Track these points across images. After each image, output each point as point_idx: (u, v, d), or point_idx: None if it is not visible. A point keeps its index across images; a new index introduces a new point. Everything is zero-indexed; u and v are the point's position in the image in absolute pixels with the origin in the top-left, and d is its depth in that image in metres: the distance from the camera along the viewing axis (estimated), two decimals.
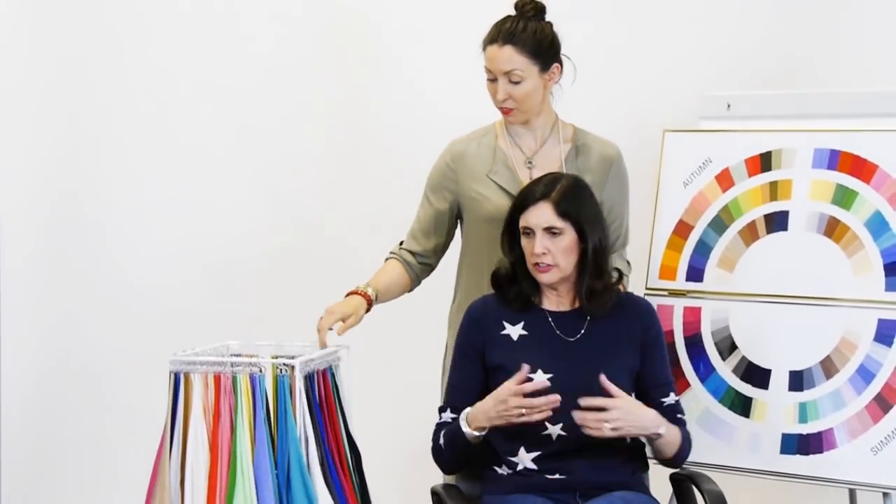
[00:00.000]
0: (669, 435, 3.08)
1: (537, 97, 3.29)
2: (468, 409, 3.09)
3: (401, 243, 3.45)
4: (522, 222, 3.12)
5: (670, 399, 3.17)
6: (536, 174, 3.29)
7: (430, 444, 3.19)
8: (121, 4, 4.61)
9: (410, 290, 3.46)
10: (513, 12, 3.30)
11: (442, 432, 3.15)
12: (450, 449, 3.13)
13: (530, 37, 3.25)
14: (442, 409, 3.20)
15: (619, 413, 2.97)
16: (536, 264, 3.10)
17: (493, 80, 3.28)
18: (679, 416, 3.17)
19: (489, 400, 3.05)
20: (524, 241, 3.13)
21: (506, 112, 3.30)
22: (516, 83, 3.26)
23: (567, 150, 3.37)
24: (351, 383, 3.23)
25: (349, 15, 4.46)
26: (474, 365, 3.17)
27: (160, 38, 4.58)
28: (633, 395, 3.11)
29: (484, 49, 3.28)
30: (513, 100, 3.27)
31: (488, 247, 3.27)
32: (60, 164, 4.63)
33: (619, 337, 3.15)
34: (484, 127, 3.43)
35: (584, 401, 2.96)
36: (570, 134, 3.40)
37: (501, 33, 3.25)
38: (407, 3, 4.45)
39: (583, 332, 3.15)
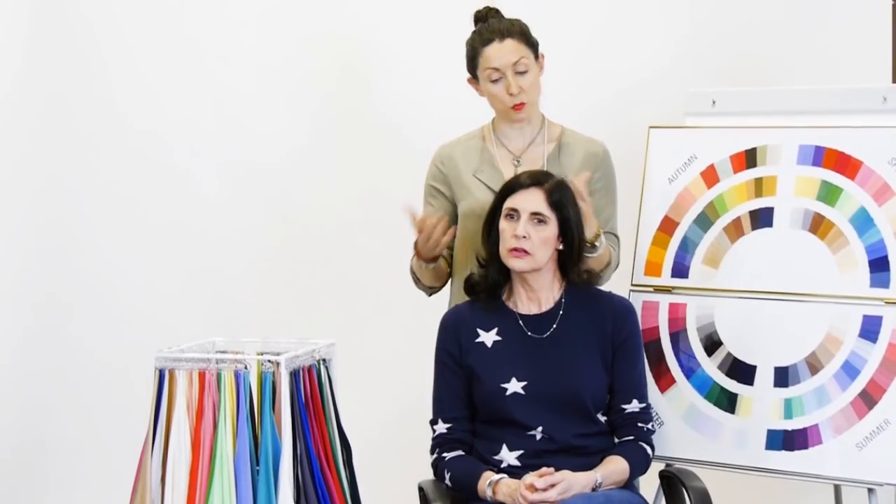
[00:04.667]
0: (611, 475, 3.10)
1: (538, 88, 3.35)
2: (495, 477, 3.08)
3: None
4: (509, 204, 3.12)
5: (632, 406, 3.18)
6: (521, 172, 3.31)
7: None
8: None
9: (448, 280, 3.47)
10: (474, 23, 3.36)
11: (450, 465, 3.15)
12: (458, 488, 3.14)
13: (518, 28, 3.31)
14: (433, 423, 3.21)
15: (561, 486, 3.01)
16: (513, 249, 3.10)
17: (498, 80, 3.31)
18: (641, 424, 3.18)
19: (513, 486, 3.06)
20: (504, 224, 3.13)
21: (519, 108, 3.32)
22: (523, 73, 3.29)
23: (551, 148, 3.40)
24: (338, 379, 3.26)
25: (341, 15, 4.47)
26: (455, 374, 3.19)
27: (147, 34, 4.58)
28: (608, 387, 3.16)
29: (478, 55, 3.32)
30: (524, 92, 3.30)
31: (473, 243, 3.29)
32: (42, 156, 4.61)
33: (589, 334, 3.17)
34: (470, 132, 3.47)
35: (538, 482, 3.00)
36: (557, 133, 3.43)
37: (495, 32, 3.29)
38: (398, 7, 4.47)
39: (554, 327, 3.16)
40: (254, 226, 4.57)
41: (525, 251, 3.10)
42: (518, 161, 3.39)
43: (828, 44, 4.10)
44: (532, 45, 3.33)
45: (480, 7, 3.37)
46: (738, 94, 3.63)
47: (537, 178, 3.14)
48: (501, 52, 3.29)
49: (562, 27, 4.22)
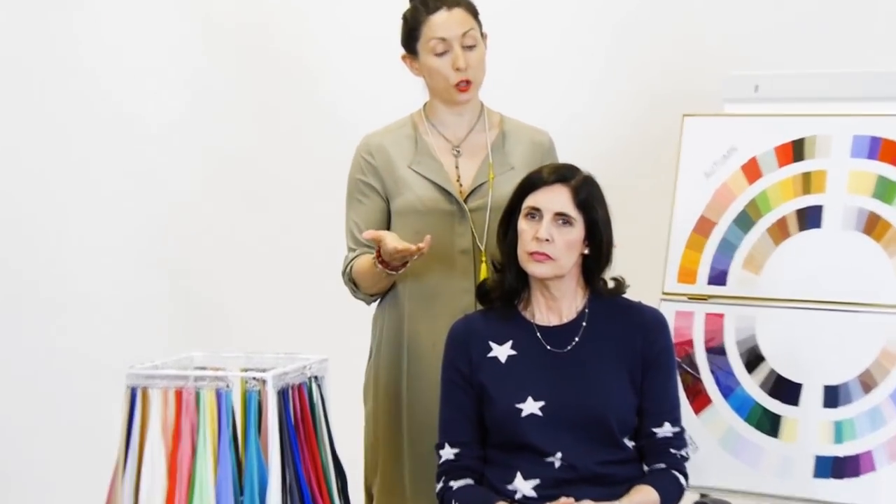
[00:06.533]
0: None
1: (484, 68, 3.29)
2: None
3: (349, 256, 3.34)
4: (529, 202, 3.02)
5: (664, 430, 3.05)
6: (463, 163, 3.30)
7: None
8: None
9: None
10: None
11: (458, 496, 3.02)
12: None
13: (466, 0, 3.29)
14: (439, 447, 3.10)
15: None
16: (534, 252, 2.99)
17: (443, 53, 3.23)
18: (673, 450, 3.06)
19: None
20: (524, 224, 3.02)
21: (464, 88, 3.25)
22: (472, 47, 3.24)
23: (494, 135, 3.35)
24: (331, 399, 3.18)
25: (283, 15, 4.49)
26: (464, 393, 3.07)
27: (102, 42, 4.60)
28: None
29: (421, 25, 3.25)
30: (471, 68, 3.24)
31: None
32: (7, 167, 4.61)
33: (616, 349, 3.05)
34: (398, 120, 3.40)
35: None
36: (497, 120, 3.39)
37: (442, 0, 3.24)
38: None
39: (576, 341, 3.06)
40: (237, 229, 4.55)
41: (548, 255, 2.99)
42: (458, 151, 3.32)
43: (885, 22, 3.99)
44: (477, 18, 3.28)
45: None
46: (783, 77, 3.56)
47: (562, 174, 3.03)
48: (450, 22, 3.22)
49: (590, 7, 4.21)
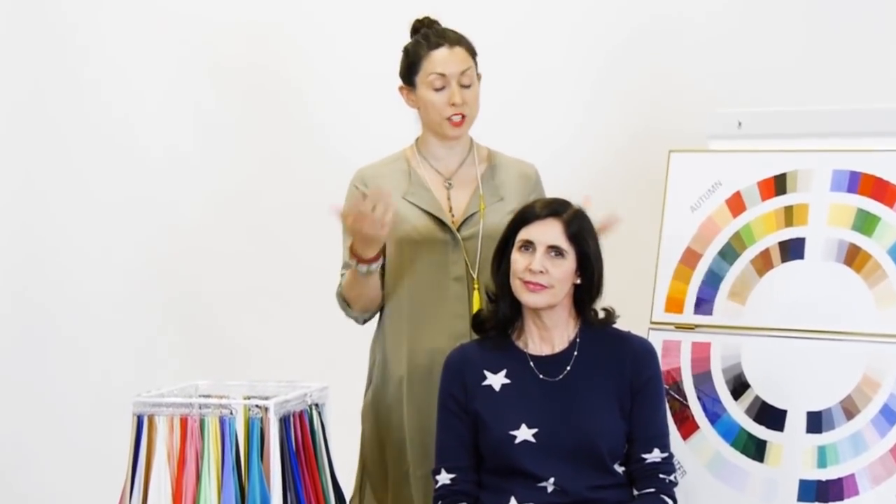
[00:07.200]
0: None
1: (478, 107, 3.33)
2: None
3: (342, 279, 3.34)
4: (523, 235, 3.04)
5: (653, 456, 3.06)
6: (455, 194, 3.32)
7: None
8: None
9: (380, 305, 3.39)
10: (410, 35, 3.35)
11: None
12: None
13: (466, 40, 3.31)
14: (435, 472, 3.09)
15: None
16: (527, 282, 3.01)
17: (441, 88, 3.27)
18: (662, 475, 3.06)
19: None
20: (517, 256, 3.04)
21: (457, 123, 3.28)
22: (468, 87, 3.27)
23: (483, 168, 3.37)
24: (331, 426, 3.21)
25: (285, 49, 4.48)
26: (460, 420, 3.08)
27: (122, 76, 4.59)
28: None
29: (422, 59, 3.28)
30: (467, 105, 3.28)
31: (409, 270, 3.23)
32: (18, 194, 4.63)
33: (606, 377, 3.06)
34: (391, 155, 3.41)
35: None
36: (486, 154, 3.40)
37: (445, 38, 3.28)
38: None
39: (568, 370, 3.07)
40: (238, 259, 4.52)
41: (542, 285, 3.02)
42: (450, 183, 3.34)
43: (863, 61, 3.99)
44: (475, 61, 3.31)
45: (420, 16, 3.34)
46: (766, 114, 3.58)
47: (554, 208, 3.06)
48: (451, 59, 3.26)
49: (579, 44, 4.22)
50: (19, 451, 4.60)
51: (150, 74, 4.55)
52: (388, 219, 3.11)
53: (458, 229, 3.28)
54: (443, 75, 3.24)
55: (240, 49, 4.50)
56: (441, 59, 3.25)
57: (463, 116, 3.26)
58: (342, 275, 3.31)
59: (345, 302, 3.31)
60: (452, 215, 3.29)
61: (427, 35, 3.28)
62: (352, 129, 4.37)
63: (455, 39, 3.27)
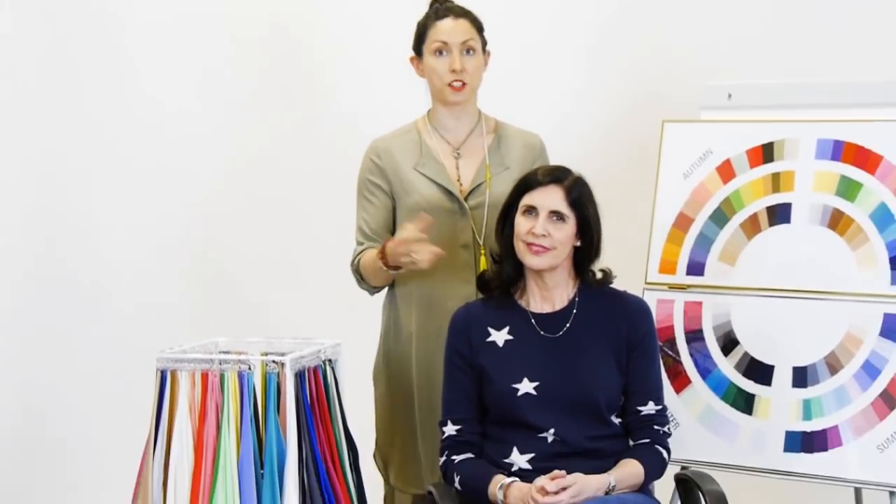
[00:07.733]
0: (626, 478, 3.05)
1: (481, 75, 3.37)
2: (506, 481, 3.02)
3: (358, 249, 3.40)
4: (526, 201, 3.09)
5: (648, 408, 3.13)
6: (463, 164, 3.38)
7: None
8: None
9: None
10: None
11: (460, 468, 3.10)
12: (468, 492, 3.09)
13: (474, 15, 3.37)
14: (442, 424, 3.16)
15: (573, 489, 2.96)
16: (530, 244, 3.07)
17: (443, 55, 3.33)
18: (657, 427, 3.14)
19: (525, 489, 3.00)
20: (521, 220, 3.10)
21: (457, 88, 3.34)
22: (470, 54, 3.33)
23: (491, 139, 3.42)
24: (344, 380, 3.24)
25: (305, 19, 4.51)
26: (465, 375, 3.14)
27: (147, 43, 4.62)
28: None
29: (428, 29, 3.35)
30: (466, 72, 3.32)
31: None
32: (42, 160, 4.63)
33: (604, 334, 3.13)
34: (404, 126, 3.46)
35: (549, 485, 2.95)
36: (493, 125, 3.45)
37: (452, 10, 3.35)
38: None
39: (567, 326, 3.12)
40: (257, 223, 4.54)
41: (544, 247, 3.07)
42: (458, 153, 3.40)
43: (847, 36, 4.06)
44: (482, 36, 3.37)
45: None
46: (754, 87, 3.61)
47: (556, 175, 3.11)
48: (454, 29, 3.33)
49: (575, 19, 4.24)
50: (55, 401, 4.62)
51: (175, 44, 4.57)
52: (423, 266, 3.18)
53: (466, 199, 3.34)
54: (445, 43, 3.32)
55: (262, 16, 4.52)
56: (445, 29, 3.33)
57: (463, 83, 3.32)
58: (358, 245, 3.37)
59: (359, 276, 3.37)
60: (461, 185, 3.35)
61: (437, 8, 3.36)
62: (370, 98, 4.40)
63: (460, 12, 3.34)
